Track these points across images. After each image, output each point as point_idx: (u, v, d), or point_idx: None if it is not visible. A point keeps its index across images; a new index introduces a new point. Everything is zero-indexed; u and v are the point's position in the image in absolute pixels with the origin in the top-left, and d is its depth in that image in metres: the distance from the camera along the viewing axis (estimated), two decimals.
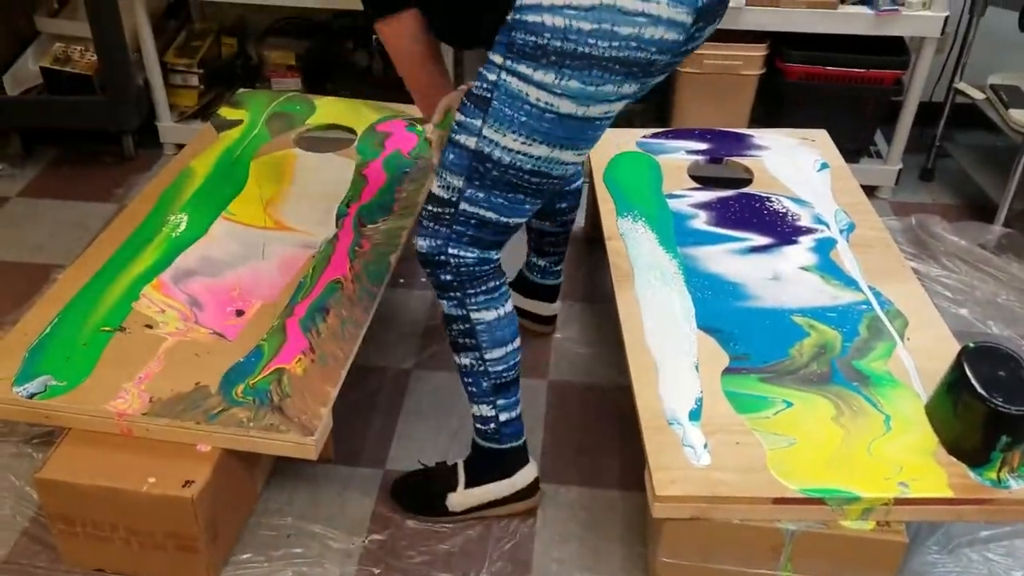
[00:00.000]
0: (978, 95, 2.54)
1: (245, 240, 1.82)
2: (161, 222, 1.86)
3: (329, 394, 1.49)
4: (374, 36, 2.61)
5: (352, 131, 2.21)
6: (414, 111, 2.23)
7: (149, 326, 1.60)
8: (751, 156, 2.11)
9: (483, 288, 1.41)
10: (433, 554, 1.55)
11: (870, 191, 2.59)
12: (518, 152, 1.27)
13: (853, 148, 2.54)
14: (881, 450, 1.38)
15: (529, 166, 1.29)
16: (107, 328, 1.59)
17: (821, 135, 2.20)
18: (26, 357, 1.53)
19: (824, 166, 2.08)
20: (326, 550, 1.55)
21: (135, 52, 2.58)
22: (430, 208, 1.38)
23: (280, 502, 1.64)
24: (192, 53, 2.69)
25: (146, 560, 1.45)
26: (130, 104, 2.58)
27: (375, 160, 2.08)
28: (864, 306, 1.66)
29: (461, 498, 1.57)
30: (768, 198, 1.96)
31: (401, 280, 2.23)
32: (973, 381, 1.35)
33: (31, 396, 1.46)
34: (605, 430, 1.81)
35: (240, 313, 1.63)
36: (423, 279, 2.23)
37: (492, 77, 1.24)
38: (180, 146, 2.75)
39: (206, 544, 1.42)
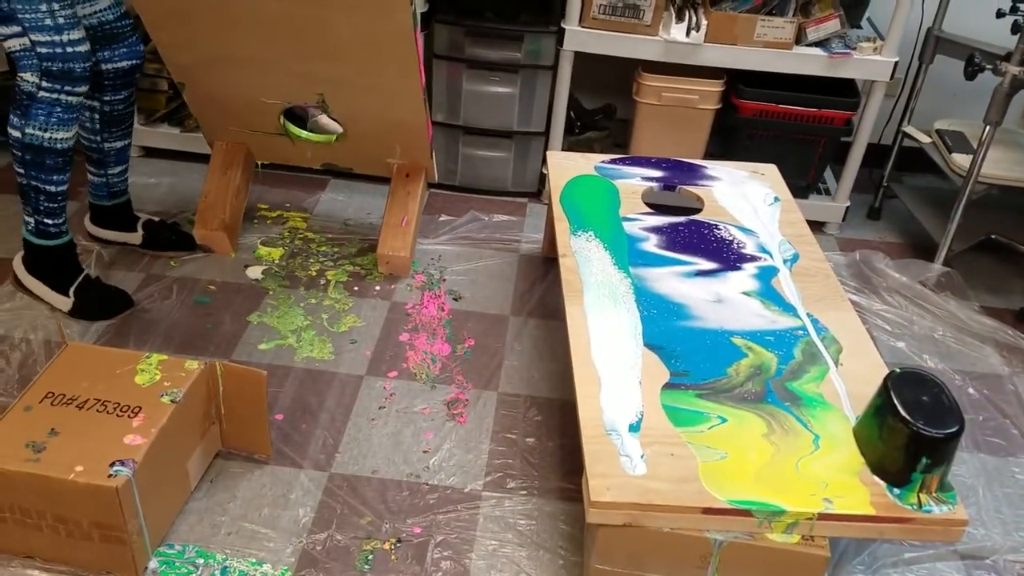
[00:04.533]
0: (924, 139, 2.65)
1: None
2: None
3: None
4: None
5: None
6: None
7: None
8: (703, 186, 2.19)
9: None
10: (371, 561, 1.57)
11: (818, 227, 2.69)
12: None
13: (803, 184, 2.64)
14: (808, 467, 1.44)
15: None
16: None
17: (771, 169, 2.29)
18: None
19: (776, 200, 2.16)
20: (262, 549, 1.57)
21: None
22: None
23: (222, 500, 1.65)
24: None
25: (74, 549, 1.46)
26: None
27: None
28: (801, 331, 1.73)
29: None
30: (716, 226, 2.03)
31: (356, 288, 2.26)
32: (897, 404, 1.41)
33: None
34: (551, 443, 1.85)
35: None
36: (376, 289, 2.27)
37: None
38: (146, 148, 2.78)
39: (131, 534, 1.44)
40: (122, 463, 1.42)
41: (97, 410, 1.51)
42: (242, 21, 1.97)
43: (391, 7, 1.87)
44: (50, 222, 1.98)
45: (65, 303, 2.04)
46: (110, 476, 1.39)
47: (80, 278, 2.05)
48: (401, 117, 2.15)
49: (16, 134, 1.86)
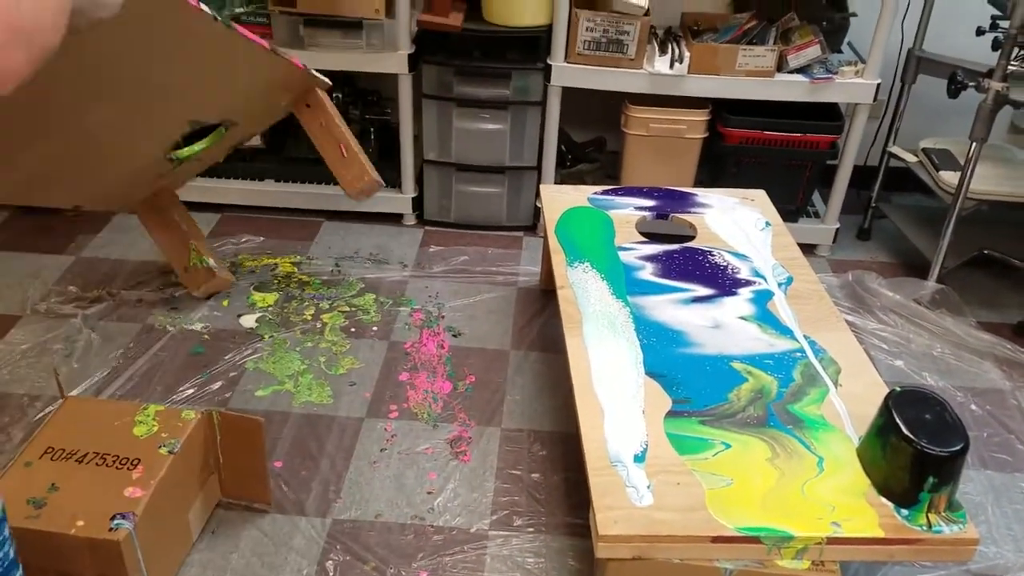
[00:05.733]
0: (911, 158, 2.67)
1: None
2: None
3: None
4: (336, 94, 2.69)
5: None
6: None
7: None
8: (695, 213, 2.20)
9: None
10: None
11: (809, 249, 2.70)
12: None
13: (792, 208, 2.65)
14: (814, 491, 1.43)
15: None
16: None
17: (760, 195, 2.31)
18: None
19: (767, 224, 2.17)
20: None
21: None
22: None
23: (224, 551, 1.63)
24: None
25: None
26: None
27: None
28: (799, 354, 1.73)
29: None
30: (710, 252, 2.04)
31: (352, 330, 2.26)
32: (899, 424, 1.41)
33: None
34: (556, 477, 1.83)
35: None
36: (373, 330, 2.26)
37: None
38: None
39: None
40: (123, 516, 1.40)
41: (96, 463, 1.50)
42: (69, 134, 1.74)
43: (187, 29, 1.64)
44: None
45: None
46: (111, 530, 1.38)
47: None
48: (263, 78, 2.00)
49: None
